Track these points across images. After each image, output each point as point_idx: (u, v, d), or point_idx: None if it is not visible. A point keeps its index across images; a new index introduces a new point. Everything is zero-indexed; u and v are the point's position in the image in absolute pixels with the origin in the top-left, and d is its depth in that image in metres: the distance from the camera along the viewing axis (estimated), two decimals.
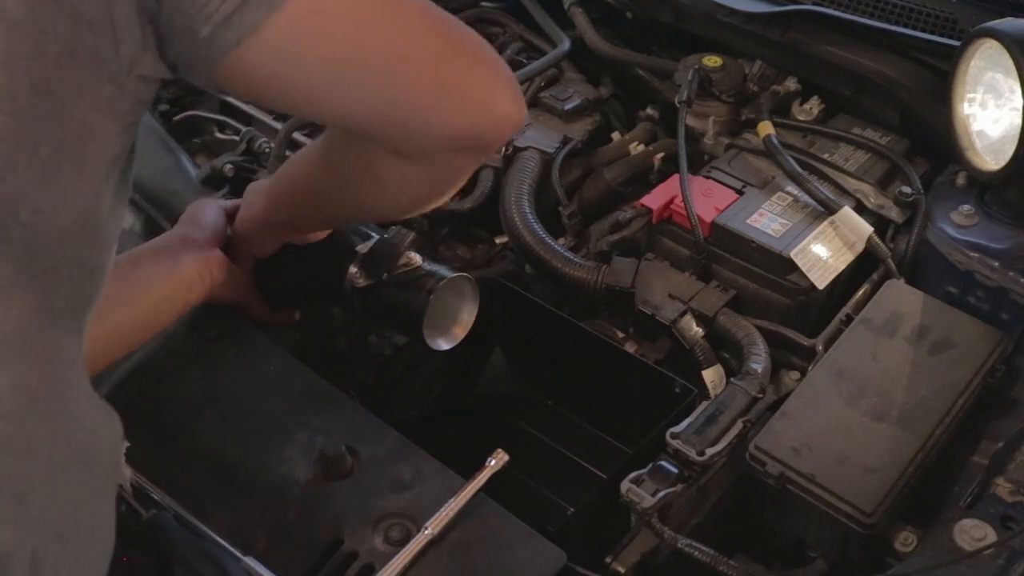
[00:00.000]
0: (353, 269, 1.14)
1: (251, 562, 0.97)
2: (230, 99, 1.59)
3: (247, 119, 1.58)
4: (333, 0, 0.80)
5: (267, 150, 1.46)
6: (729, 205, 1.38)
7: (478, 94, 0.87)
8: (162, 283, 1.09)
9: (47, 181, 0.74)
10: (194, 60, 0.79)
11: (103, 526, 0.82)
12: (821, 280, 1.31)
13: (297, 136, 1.47)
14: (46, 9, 0.71)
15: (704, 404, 1.16)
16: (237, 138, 1.50)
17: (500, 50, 1.73)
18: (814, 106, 1.56)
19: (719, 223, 1.35)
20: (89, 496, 0.80)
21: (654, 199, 1.40)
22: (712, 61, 1.55)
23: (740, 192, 1.40)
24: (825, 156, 1.47)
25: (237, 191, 1.35)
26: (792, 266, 1.31)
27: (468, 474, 1.03)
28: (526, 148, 1.51)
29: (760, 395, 1.18)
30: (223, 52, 0.77)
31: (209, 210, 1.19)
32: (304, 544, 1.00)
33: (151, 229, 1.36)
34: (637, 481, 1.06)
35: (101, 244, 0.81)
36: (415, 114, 0.86)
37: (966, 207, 1.32)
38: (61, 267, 0.77)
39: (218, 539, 0.99)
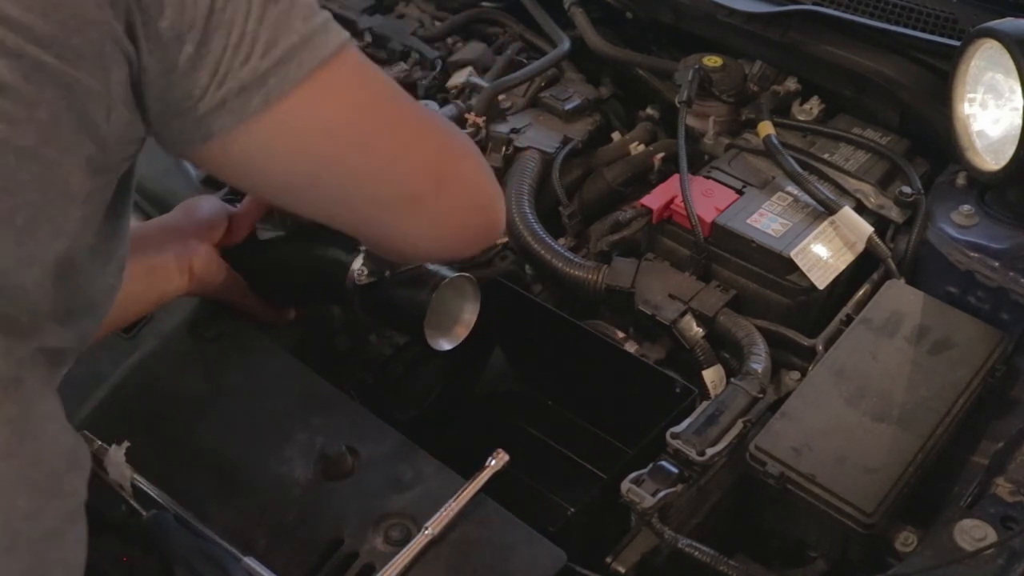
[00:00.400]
0: (356, 266, 1.14)
1: (251, 562, 0.97)
2: None
3: None
4: (302, 121, 0.78)
5: None
6: (729, 205, 1.38)
7: (465, 235, 0.91)
8: (138, 273, 1.07)
9: (17, 246, 0.72)
10: (165, 139, 0.79)
11: (73, 558, 0.81)
12: (821, 280, 1.31)
13: None
14: (42, 75, 0.68)
15: (704, 404, 1.16)
16: None
17: (500, 50, 1.74)
18: (814, 106, 1.56)
19: (719, 223, 1.35)
20: (55, 528, 0.79)
21: (654, 199, 1.40)
22: (712, 61, 1.55)
23: (740, 192, 1.40)
24: (825, 156, 1.47)
25: (237, 191, 1.35)
26: (792, 266, 1.31)
27: (468, 474, 1.03)
28: (526, 148, 1.51)
29: (760, 395, 1.18)
30: (188, 147, 0.78)
31: (208, 202, 1.19)
32: (304, 544, 1.00)
33: None
34: (637, 481, 1.06)
35: (79, 285, 0.80)
36: (391, 238, 0.89)
37: (966, 207, 1.32)
38: (29, 316, 0.76)
39: (218, 539, 0.99)
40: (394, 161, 0.83)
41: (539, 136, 1.54)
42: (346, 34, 0.79)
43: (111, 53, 0.70)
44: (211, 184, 1.40)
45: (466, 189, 0.89)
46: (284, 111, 0.76)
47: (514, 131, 1.54)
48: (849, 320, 1.27)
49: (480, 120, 1.51)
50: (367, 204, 0.85)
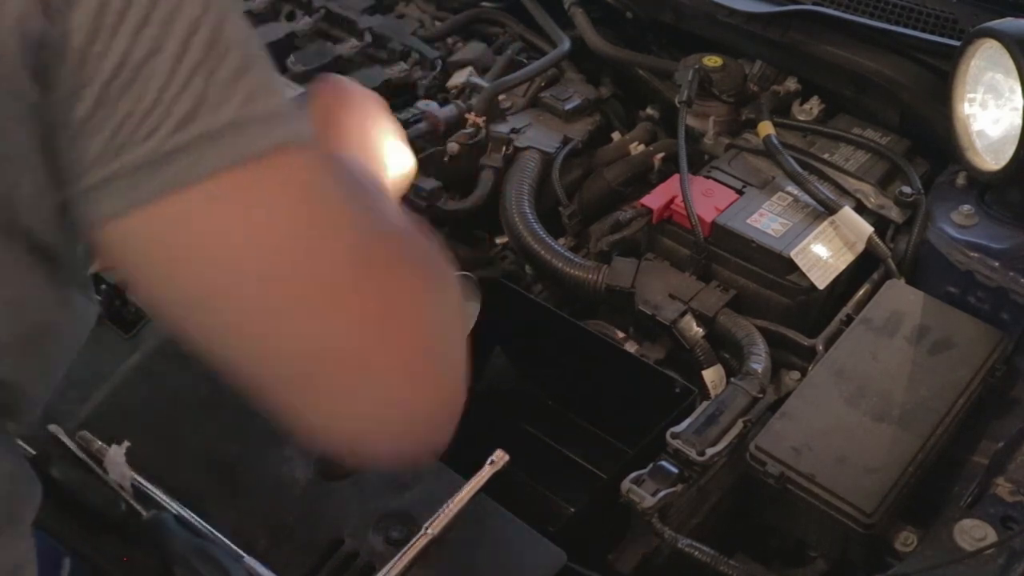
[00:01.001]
0: None
1: (251, 562, 0.97)
2: None
3: None
4: (196, 229, 0.59)
5: None
6: (729, 205, 1.38)
7: (400, 435, 0.65)
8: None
9: None
10: (67, 210, 0.62)
11: None
12: (821, 280, 1.31)
13: None
14: None
15: (704, 404, 1.16)
16: None
17: (500, 50, 1.74)
18: (814, 106, 1.56)
19: (719, 223, 1.35)
20: None
21: (654, 199, 1.40)
22: (712, 61, 1.55)
23: (740, 192, 1.40)
24: (825, 156, 1.47)
25: None
26: (792, 266, 1.31)
27: (468, 474, 1.03)
28: (526, 148, 1.51)
29: (760, 395, 1.18)
30: (85, 224, 0.61)
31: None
32: (304, 544, 1.00)
33: None
34: (637, 481, 1.06)
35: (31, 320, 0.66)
36: (295, 414, 0.65)
37: (966, 207, 1.32)
38: None
39: (219, 539, 0.99)
40: (313, 315, 0.61)
41: (539, 136, 1.55)
42: (306, 135, 0.61)
43: (10, 107, 0.56)
44: None
45: (414, 375, 0.64)
46: (179, 207, 0.58)
47: (514, 131, 1.54)
48: (849, 320, 1.27)
49: (480, 120, 1.52)
50: (265, 359, 0.64)
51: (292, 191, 0.60)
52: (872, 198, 1.41)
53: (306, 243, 0.60)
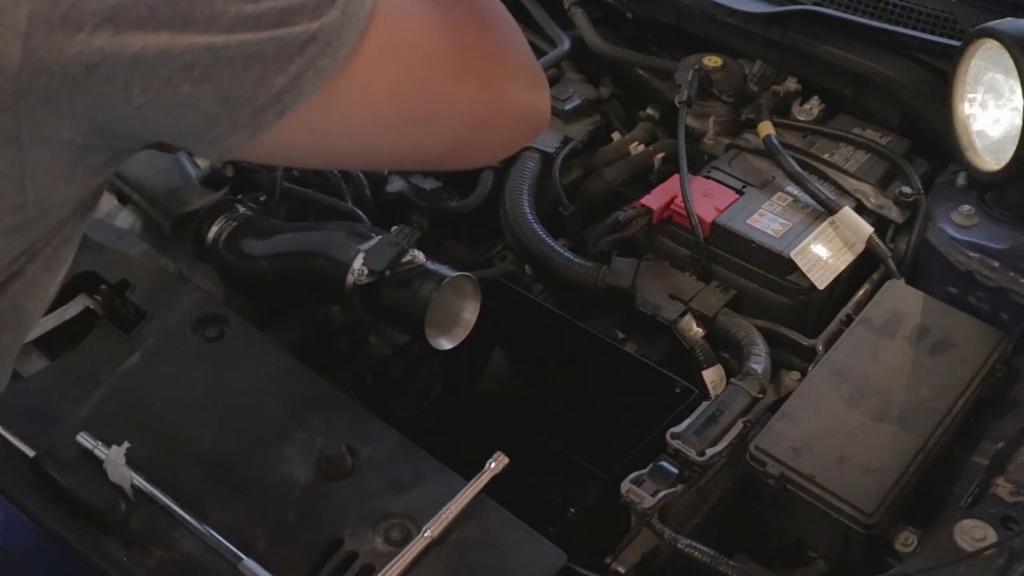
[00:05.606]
0: (356, 265, 1.14)
1: (250, 563, 0.97)
2: None
3: None
4: (320, 128, 0.72)
5: None
6: (729, 205, 1.38)
7: (513, 146, 0.88)
8: None
9: None
10: (188, 150, 0.76)
11: None
12: (821, 280, 1.31)
13: None
14: None
15: (704, 404, 1.16)
16: None
17: None
18: (814, 106, 1.56)
19: (719, 223, 1.35)
20: None
21: (654, 199, 1.40)
22: (712, 61, 1.55)
23: (740, 192, 1.40)
24: (825, 156, 1.47)
25: (237, 191, 1.35)
26: (792, 266, 1.31)
27: (468, 474, 1.03)
28: (526, 148, 1.51)
29: (760, 395, 1.18)
30: (212, 157, 0.75)
31: None
32: (304, 544, 1.00)
33: (150, 229, 1.36)
34: (637, 481, 1.06)
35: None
36: (453, 159, 0.87)
37: (966, 207, 1.32)
38: None
39: (218, 539, 0.99)
40: (429, 134, 0.79)
41: (539, 136, 1.54)
42: (368, 4, 0.71)
43: (29, 136, 0.65)
44: (210, 184, 1.40)
45: (509, 117, 0.83)
46: (297, 121, 0.70)
47: None
48: (849, 320, 1.27)
49: None
50: (409, 162, 0.91)
51: (387, 55, 0.73)
52: (872, 198, 1.41)
53: (414, 82, 0.75)
